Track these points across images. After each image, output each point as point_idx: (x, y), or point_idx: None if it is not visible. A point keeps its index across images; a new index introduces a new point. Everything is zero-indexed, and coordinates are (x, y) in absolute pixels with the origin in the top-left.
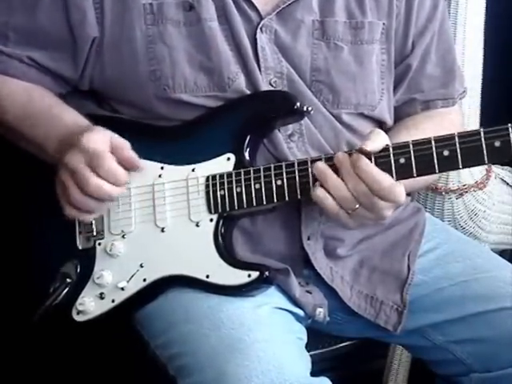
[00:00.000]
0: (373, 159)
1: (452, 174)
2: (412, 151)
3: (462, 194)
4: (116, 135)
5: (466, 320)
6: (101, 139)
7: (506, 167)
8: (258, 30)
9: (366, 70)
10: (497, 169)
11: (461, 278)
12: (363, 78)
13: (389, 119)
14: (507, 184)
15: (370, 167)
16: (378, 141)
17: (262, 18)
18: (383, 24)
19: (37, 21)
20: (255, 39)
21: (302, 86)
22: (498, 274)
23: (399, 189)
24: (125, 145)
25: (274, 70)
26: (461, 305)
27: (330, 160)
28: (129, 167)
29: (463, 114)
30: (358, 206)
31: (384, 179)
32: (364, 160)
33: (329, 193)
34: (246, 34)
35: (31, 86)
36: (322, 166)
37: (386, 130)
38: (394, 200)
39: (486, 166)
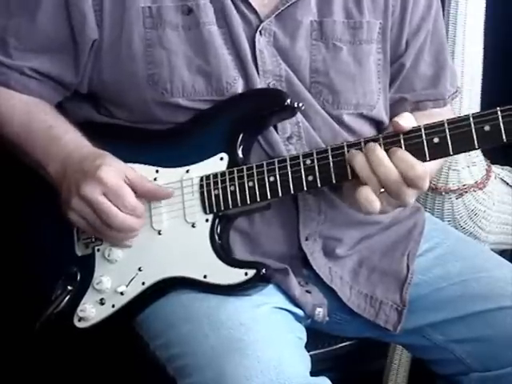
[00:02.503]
0: (363, 149)
1: (452, 174)
2: (402, 140)
3: (461, 194)
4: (126, 165)
5: (465, 319)
6: (117, 172)
7: (505, 167)
8: (257, 33)
9: (364, 69)
10: (497, 169)
11: (460, 278)
12: (362, 78)
13: (386, 119)
14: (507, 184)
15: (405, 154)
16: (408, 118)
17: (261, 21)
18: (380, 23)
19: (37, 23)
20: (254, 42)
21: (300, 88)
22: (497, 273)
23: (428, 176)
24: (144, 178)
25: (273, 73)
26: (460, 304)
27: (321, 153)
28: (158, 198)
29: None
30: (382, 190)
31: (421, 166)
32: (400, 149)
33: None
34: (244, 37)
35: (31, 103)
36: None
37: (383, 130)
38: (424, 186)
39: (485, 166)
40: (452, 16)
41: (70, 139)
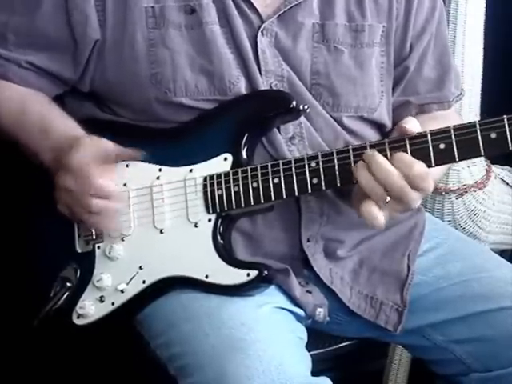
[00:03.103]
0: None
1: (452, 174)
2: (408, 145)
3: (461, 194)
4: (103, 140)
5: (465, 320)
6: (82, 156)
7: (505, 167)
8: (259, 33)
9: (366, 73)
10: (497, 169)
11: (460, 278)
12: (363, 81)
13: (388, 121)
14: (507, 184)
15: (403, 155)
16: (414, 123)
17: (263, 21)
18: (383, 26)
19: (37, 22)
20: (256, 42)
21: (302, 89)
22: (497, 273)
23: (431, 177)
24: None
25: (275, 74)
26: (461, 304)
27: (326, 156)
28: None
29: (463, 115)
30: (388, 198)
31: (420, 165)
32: (399, 151)
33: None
34: (246, 37)
35: (26, 94)
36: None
37: (386, 133)
38: (426, 188)
39: (485, 166)
40: (452, 16)
41: (60, 129)
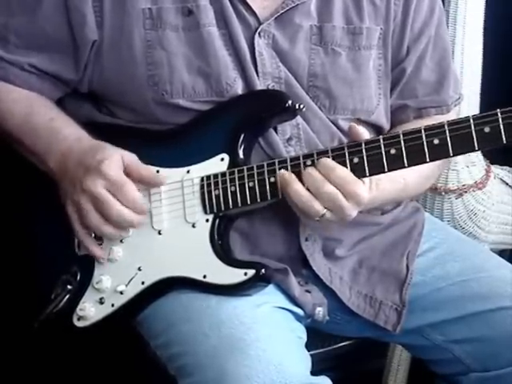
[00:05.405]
0: (363, 150)
1: (451, 174)
2: (402, 141)
3: (461, 194)
4: (125, 152)
5: (464, 319)
6: (118, 164)
7: (505, 167)
8: (256, 35)
9: (363, 75)
10: (496, 169)
11: (460, 278)
12: (360, 84)
13: (385, 124)
14: (506, 184)
15: (332, 163)
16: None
17: (260, 23)
18: (381, 29)
19: (37, 23)
20: (253, 44)
21: (299, 90)
22: (496, 273)
23: (362, 186)
24: (139, 163)
25: (272, 75)
26: (460, 304)
27: (322, 154)
28: (153, 184)
29: (462, 115)
30: (324, 211)
31: (348, 174)
32: (326, 159)
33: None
34: (244, 38)
35: (32, 97)
36: (287, 174)
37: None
38: (356, 194)
39: (485, 167)
40: (451, 16)
41: (71, 132)
